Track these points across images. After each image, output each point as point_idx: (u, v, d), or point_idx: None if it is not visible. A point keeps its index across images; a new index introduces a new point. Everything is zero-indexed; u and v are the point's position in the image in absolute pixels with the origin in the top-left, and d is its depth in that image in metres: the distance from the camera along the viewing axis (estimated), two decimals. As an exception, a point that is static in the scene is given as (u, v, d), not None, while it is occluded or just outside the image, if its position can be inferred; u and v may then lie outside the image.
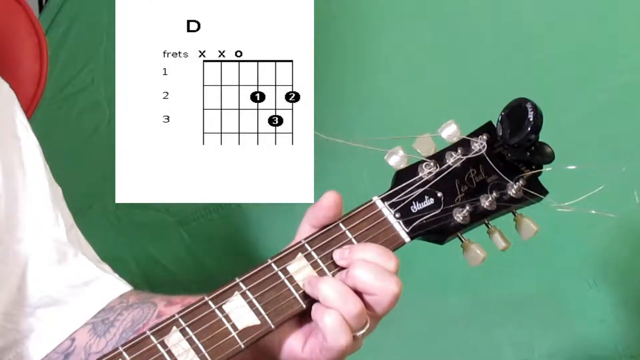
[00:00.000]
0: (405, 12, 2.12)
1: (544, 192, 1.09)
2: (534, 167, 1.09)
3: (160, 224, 2.33)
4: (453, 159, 1.08)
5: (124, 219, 2.34)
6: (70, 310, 1.19)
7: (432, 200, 1.06)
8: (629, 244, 2.01)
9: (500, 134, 1.08)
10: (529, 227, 1.08)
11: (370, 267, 1.00)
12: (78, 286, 1.20)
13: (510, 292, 2.08)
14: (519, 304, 2.09)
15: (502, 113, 1.08)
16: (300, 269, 1.02)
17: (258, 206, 2.27)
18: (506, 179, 1.08)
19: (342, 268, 1.02)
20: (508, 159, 1.08)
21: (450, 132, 1.09)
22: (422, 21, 2.11)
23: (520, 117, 1.06)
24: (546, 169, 1.09)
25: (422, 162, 1.07)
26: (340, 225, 1.04)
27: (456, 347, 2.11)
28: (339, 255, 1.03)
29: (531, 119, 1.05)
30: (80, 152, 2.32)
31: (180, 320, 0.99)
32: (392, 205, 1.06)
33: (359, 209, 1.05)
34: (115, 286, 1.22)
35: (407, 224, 1.05)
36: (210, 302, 1.00)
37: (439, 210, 1.06)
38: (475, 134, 1.09)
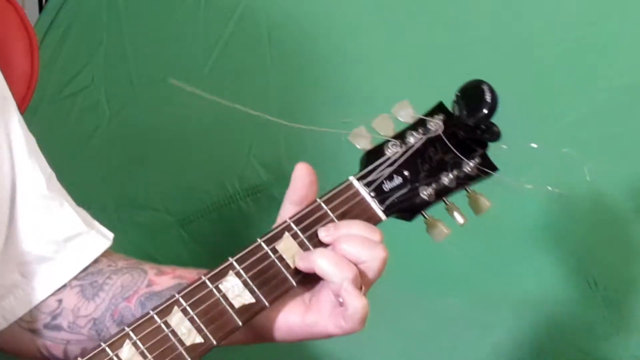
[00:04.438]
0: (404, 12, 2.12)
1: (494, 168, 1.13)
2: (485, 144, 1.13)
3: (160, 224, 2.33)
4: (414, 139, 1.12)
5: (124, 219, 2.34)
6: (54, 267, 1.21)
7: (400, 179, 1.11)
8: (629, 244, 2.01)
9: (457, 113, 1.11)
10: (483, 203, 1.13)
11: (356, 239, 1.05)
12: (59, 242, 1.21)
13: (510, 292, 2.08)
14: (519, 304, 2.09)
15: (457, 93, 1.12)
16: (288, 248, 1.07)
17: (258, 206, 2.27)
18: (461, 157, 1.12)
19: (327, 245, 1.07)
20: (460, 137, 1.12)
21: (405, 112, 1.12)
22: (422, 21, 2.12)
23: (476, 98, 1.09)
24: (502, 146, 1.12)
25: (388, 141, 1.11)
26: (322, 205, 1.09)
27: (455, 346, 2.11)
28: (325, 233, 1.07)
29: (488, 100, 1.09)
30: (80, 152, 2.32)
31: (181, 300, 1.03)
32: (367, 185, 1.10)
33: (338, 189, 1.10)
34: (99, 243, 1.25)
35: (381, 202, 1.10)
36: (207, 282, 1.04)
37: (407, 189, 1.10)
38: (430, 114, 1.13)
